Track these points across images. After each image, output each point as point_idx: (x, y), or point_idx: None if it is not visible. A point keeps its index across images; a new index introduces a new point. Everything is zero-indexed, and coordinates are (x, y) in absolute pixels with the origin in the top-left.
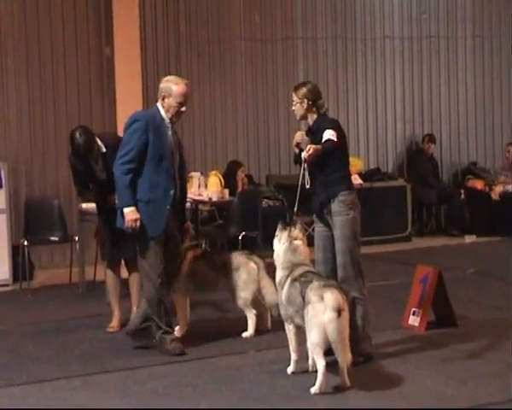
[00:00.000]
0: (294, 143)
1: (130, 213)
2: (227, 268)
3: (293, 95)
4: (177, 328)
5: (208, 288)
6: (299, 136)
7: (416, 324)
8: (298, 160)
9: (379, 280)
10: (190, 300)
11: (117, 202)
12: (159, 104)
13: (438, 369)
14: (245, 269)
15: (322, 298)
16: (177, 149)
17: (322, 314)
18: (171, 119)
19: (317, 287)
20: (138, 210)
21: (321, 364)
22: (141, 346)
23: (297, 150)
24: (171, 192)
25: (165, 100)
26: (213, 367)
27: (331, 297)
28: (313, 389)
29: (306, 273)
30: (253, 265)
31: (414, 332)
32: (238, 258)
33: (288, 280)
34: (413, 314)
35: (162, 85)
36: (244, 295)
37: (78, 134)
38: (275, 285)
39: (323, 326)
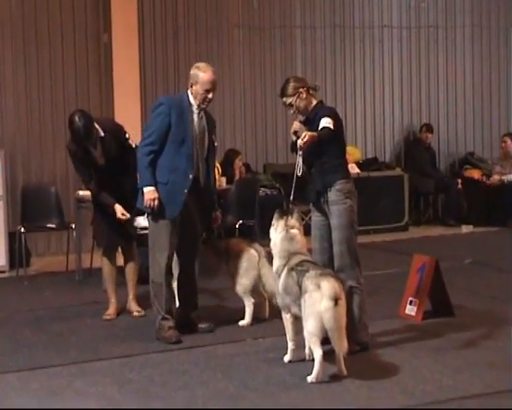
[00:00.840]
0: (292, 130)
1: (149, 192)
2: (228, 254)
3: (285, 99)
4: None
5: (208, 273)
6: (297, 124)
7: (413, 313)
8: (294, 148)
9: (376, 269)
10: None
11: (138, 181)
12: (188, 90)
13: (434, 358)
14: (246, 256)
15: (318, 287)
16: (205, 134)
17: (318, 303)
18: (198, 105)
19: (313, 276)
20: (157, 191)
21: (318, 353)
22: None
23: (294, 138)
24: (191, 176)
25: (193, 87)
26: (210, 355)
27: (328, 286)
28: (310, 378)
29: (303, 262)
30: (253, 252)
31: (411, 321)
32: (239, 245)
33: (285, 269)
34: (410, 304)
35: (191, 72)
36: (244, 281)
37: (77, 118)
38: None
39: (320, 315)
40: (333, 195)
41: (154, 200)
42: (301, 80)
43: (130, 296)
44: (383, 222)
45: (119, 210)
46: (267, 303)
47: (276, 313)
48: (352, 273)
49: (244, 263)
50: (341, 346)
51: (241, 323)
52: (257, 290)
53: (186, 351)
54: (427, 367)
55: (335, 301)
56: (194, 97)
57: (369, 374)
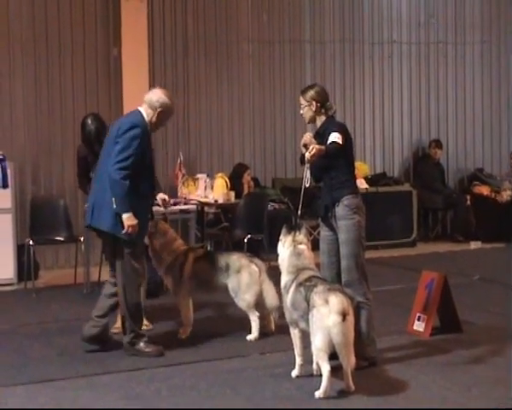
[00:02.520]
0: (302, 143)
1: (129, 218)
2: (229, 270)
3: (301, 98)
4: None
5: (210, 289)
6: (308, 137)
7: (421, 329)
8: (303, 160)
9: (384, 285)
10: (193, 301)
11: (114, 206)
12: (142, 111)
13: (442, 374)
14: (247, 271)
15: (327, 302)
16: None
17: (326, 318)
18: (151, 128)
19: (321, 291)
20: None
21: (325, 368)
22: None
23: (304, 150)
24: (150, 201)
25: (154, 110)
26: (217, 370)
27: (336, 301)
28: (317, 393)
29: (311, 278)
30: (254, 267)
31: (419, 337)
32: (240, 260)
33: (294, 285)
34: (418, 320)
35: (154, 97)
36: (247, 297)
37: (89, 121)
38: (276, 289)
39: (328, 330)
40: (341, 210)
41: (134, 226)
42: (322, 95)
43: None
44: (391, 237)
45: None
46: (272, 317)
47: (283, 327)
48: (360, 288)
49: (245, 278)
50: (349, 361)
51: (249, 337)
52: (261, 304)
53: (194, 365)
54: (435, 383)
55: (343, 316)
56: (150, 120)
57: (376, 390)
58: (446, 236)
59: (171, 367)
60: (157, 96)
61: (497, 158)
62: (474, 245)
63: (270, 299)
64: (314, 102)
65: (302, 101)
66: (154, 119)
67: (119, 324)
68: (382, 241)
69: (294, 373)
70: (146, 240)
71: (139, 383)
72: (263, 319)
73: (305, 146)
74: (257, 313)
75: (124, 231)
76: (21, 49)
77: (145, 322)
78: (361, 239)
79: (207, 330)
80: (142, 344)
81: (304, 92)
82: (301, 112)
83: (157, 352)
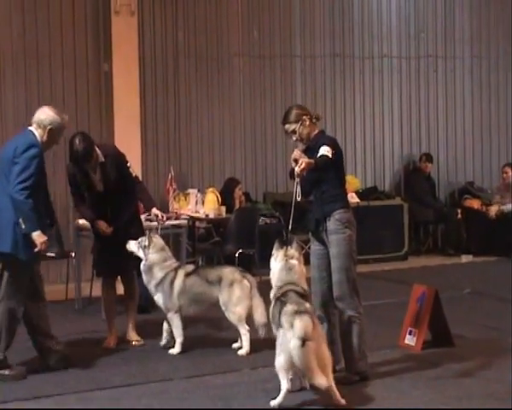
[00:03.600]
0: (292, 158)
1: (39, 236)
2: (220, 284)
3: (287, 126)
4: (177, 345)
5: (201, 302)
6: (298, 153)
7: (413, 343)
8: (293, 175)
9: (375, 299)
10: (185, 317)
11: (23, 226)
12: (34, 130)
13: (434, 388)
14: (239, 285)
15: (291, 325)
16: None
17: (289, 342)
18: (43, 147)
19: (289, 313)
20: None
21: (283, 386)
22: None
23: (294, 165)
24: (45, 224)
25: (44, 129)
26: (209, 384)
27: (299, 326)
28: (272, 403)
29: (287, 292)
30: (246, 282)
31: (410, 351)
32: (233, 273)
33: (273, 299)
34: (409, 334)
35: (42, 115)
36: (238, 310)
37: (77, 140)
38: (265, 305)
39: (290, 353)
40: (332, 224)
41: (46, 242)
42: (304, 108)
43: (130, 326)
44: (383, 251)
45: (102, 224)
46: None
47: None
48: (352, 303)
49: (237, 292)
50: (319, 382)
51: (241, 352)
52: (251, 318)
53: (185, 380)
54: (426, 397)
55: (303, 341)
56: (42, 139)
57: (368, 404)
58: (437, 249)
59: (163, 382)
60: (45, 114)
61: (487, 172)
62: (466, 259)
63: (259, 316)
64: (304, 117)
65: (291, 126)
66: (44, 138)
67: (109, 340)
68: (373, 255)
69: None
70: (141, 253)
71: (130, 398)
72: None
73: (296, 161)
74: (247, 327)
75: (36, 249)
76: (12, 65)
77: (136, 337)
78: (352, 253)
79: (198, 346)
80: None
81: (287, 117)
82: (294, 138)
83: (20, 375)
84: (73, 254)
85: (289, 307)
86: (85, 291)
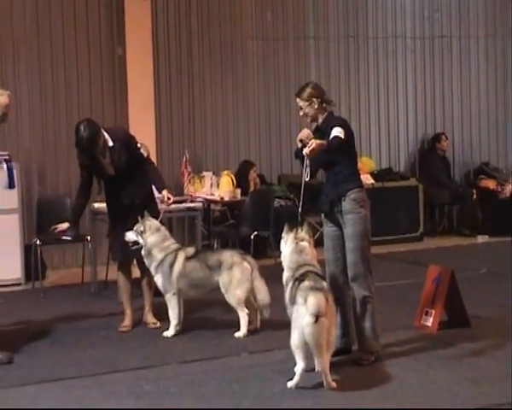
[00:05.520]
0: (298, 138)
1: None
2: (220, 267)
3: (298, 100)
4: (171, 328)
5: (201, 287)
6: (305, 133)
7: (429, 323)
8: (299, 155)
9: (391, 280)
10: (186, 299)
11: None
12: None
13: (451, 369)
14: (239, 268)
15: (305, 301)
16: None
17: (302, 318)
18: None
19: (304, 288)
20: None
21: (299, 365)
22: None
23: (300, 145)
24: None
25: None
26: (225, 367)
27: (312, 301)
28: (289, 384)
29: (306, 273)
30: (246, 264)
31: (426, 332)
32: (232, 257)
33: (291, 280)
34: (425, 314)
35: None
36: (238, 292)
37: (82, 127)
38: (267, 286)
39: (302, 329)
40: (347, 204)
41: None
42: (319, 90)
43: (147, 308)
44: (398, 232)
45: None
46: (258, 314)
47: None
48: (365, 283)
49: (237, 275)
50: (320, 362)
51: (237, 334)
52: (249, 301)
53: (202, 363)
54: (443, 378)
55: (316, 317)
56: None
57: (385, 385)
58: (453, 230)
59: (180, 365)
60: None
61: (502, 151)
62: (481, 239)
63: (262, 296)
64: (314, 99)
65: (300, 102)
66: None
67: (125, 323)
68: (389, 236)
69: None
70: (140, 239)
71: (147, 381)
72: (249, 316)
73: (302, 141)
74: (246, 310)
75: None
76: (26, 50)
77: (153, 320)
78: (367, 233)
79: (213, 327)
80: None
81: (300, 93)
82: (301, 113)
83: (7, 358)
84: (89, 238)
85: (305, 283)
86: (101, 275)
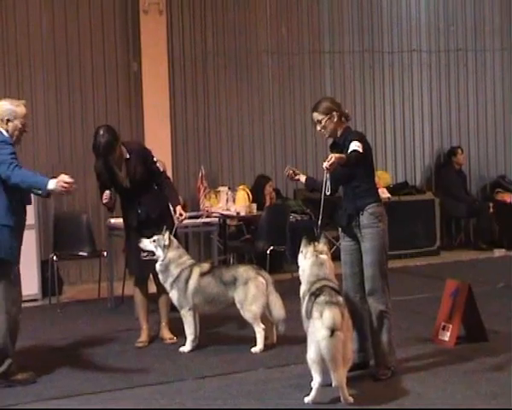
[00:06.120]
0: (286, 173)
1: (57, 181)
2: (235, 282)
3: (316, 114)
4: (187, 343)
5: (216, 302)
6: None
7: (446, 338)
8: (309, 186)
9: (407, 294)
10: (202, 315)
11: (40, 192)
12: (1, 127)
13: (468, 384)
14: (254, 283)
15: (321, 315)
16: None
17: (318, 332)
18: (14, 141)
19: (320, 303)
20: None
21: (316, 380)
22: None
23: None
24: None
25: (9, 123)
26: (242, 381)
27: (328, 315)
28: (306, 399)
29: (322, 287)
30: (261, 279)
31: (444, 346)
32: (247, 272)
33: (308, 294)
34: (443, 329)
35: (5, 108)
36: (253, 308)
37: (101, 132)
38: (282, 301)
39: (318, 344)
40: (365, 218)
41: (69, 183)
42: (336, 103)
43: (163, 323)
44: (414, 246)
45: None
46: (274, 329)
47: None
48: (383, 297)
49: (252, 290)
50: (337, 376)
51: (254, 350)
52: (264, 316)
53: (219, 378)
54: (460, 393)
55: (332, 331)
56: (11, 134)
57: (402, 399)
58: (470, 244)
59: (197, 380)
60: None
61: None
62: (498, 253)
63: (277, 311)
64: (334, 113)
65: (319, 116)
66: (9, 129)
67: (142, 338)
68: (406, 250)
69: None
70: (160, 252)
71: (164, 396)
72: (266, 331)
73: (290, 177)
74: (262, 326)
75: (65, 190)
76: (42, 67)
77: (170, 335)
78: (385, 247)
79: (230, 343)
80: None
81: (317, 107)
82: (319, 128)
83: (32, 377)
84: (105, 254)
85: (321, 298)
86: (117, 290)
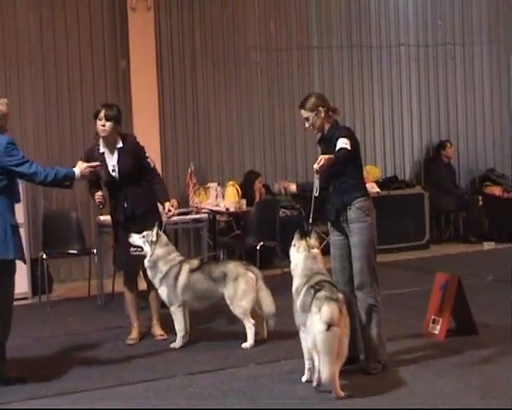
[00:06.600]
0: (277, 189)
1: (79, 167)
2: (225, 278)
3: (303, 111)
4: (178, 339)
5: (206, 298)
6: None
7: (436, 331)
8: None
9: (397, 288)
10: (192, 311)
11: (67, 183)
12: None
13: (458, 377)
14: (243, 279)
15: (319, 310)
16: None
17: (315, 325)
18: None
19: (320, 298)
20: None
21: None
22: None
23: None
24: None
25: (2, 120)
26: (233, 378)
27: (326, 310)
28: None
29: (322, 282)
30: (251, 275)
31: (434, 340)
32: (236, 268)
33: (305, 287)
34: (433, 322)
35: None
36: (243, 303)
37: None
38: (272, 296)
39: (315, 337)
40: (353, 213)
41: (90, 167)
42: (323, 99)
43: (154, 320)
44: (404, 240)
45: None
46: (265, 324)
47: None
48: (372, 291)
49: (242, 286)
50: (325, 371)
51: (245, 345)
52: (254, 312)
53: (210, 374)
54: (451, 386)
55: (328, 326)
56: None
57: (392, 393)
58: (459, 237)
59: (188, 377)
60: None
61: (508, 158)
62: (488, 246)
63: (268, 306)
64: (320, 108)
65: (306, 113)
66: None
67: (133, 335)
68: (395, 244)
69: (304, 378)
70: (148, 248)
71: (156, 394)
72: (256, 327)
73: (281, 190)
74: (252, 321)
75: (88, 174)
76: (30, 64)
77: (161, 332)
78: (373, 241)
79: (220, 339)
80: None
81: (304, 104)
82: (307, 125)
83: (22, 377)
84: (95, 251)
85: (322, 293)
86: (107, 288)
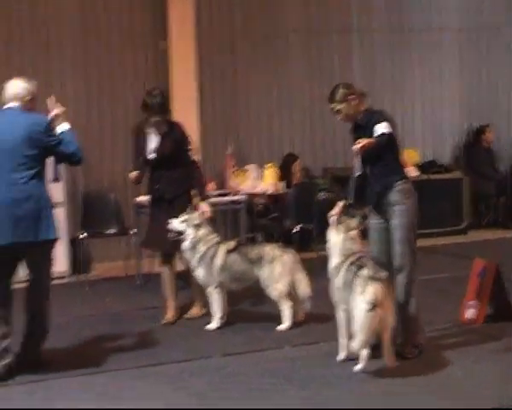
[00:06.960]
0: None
1: None
2: (261, 260)
3: (334, 104)
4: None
5: (242, 280)
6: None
7: (474, 317)
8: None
9: (435, 273)
10: (229, 292)
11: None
12: (18, 106)
13: (496, 363)
14: (280, 261)
15: (364, 290)
16: None
17: (359, 306)
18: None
19: (364, 277)
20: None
21: (363, 353)
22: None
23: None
24: None
25: (34, 102)
26: (269, 359)
27: (371, 291)
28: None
29: (363, 259)
30: (287, 257)
31: (471, 326)
32: (273, 250)
33: (346, 264)
34: (470, 308)
35: (31, 87)
36: (279, 286)
37: (156, 91)
38: (308, 278)
39: (357, 316)
40: (394, 195)
41: None
42: (350, 87)
43: (195, 301)
44: (442, 225)
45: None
46: (301, 307)
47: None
48: (411, 274)
49: (278, 268)
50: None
51: (280, 327)
52: (291, 294)
53: (245, 355)
54: (488, 372)
55: (372, 306)
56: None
57: (428, 378)
58: (498, 223)
59: (224, 357)
60: (29, 85)
61: None
62: None
63: (304, 288)
64: (350, 97)
65: (337, 106)
66: (30, 110)
67: (169, 315)
68: (433, 229)
69: (339, 357)
70: (190, 231)
71: (191, 374)
72: (293, 309)
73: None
74: (289, 303)
75: None
76: (71, 44)
77: (198, 312)
78: (414, 224)
79: (255, 320)
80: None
81: (333, 96)
82: (339, 118)
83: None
84: (133, 232)
85: (365, 271)
86: (145, 268)
